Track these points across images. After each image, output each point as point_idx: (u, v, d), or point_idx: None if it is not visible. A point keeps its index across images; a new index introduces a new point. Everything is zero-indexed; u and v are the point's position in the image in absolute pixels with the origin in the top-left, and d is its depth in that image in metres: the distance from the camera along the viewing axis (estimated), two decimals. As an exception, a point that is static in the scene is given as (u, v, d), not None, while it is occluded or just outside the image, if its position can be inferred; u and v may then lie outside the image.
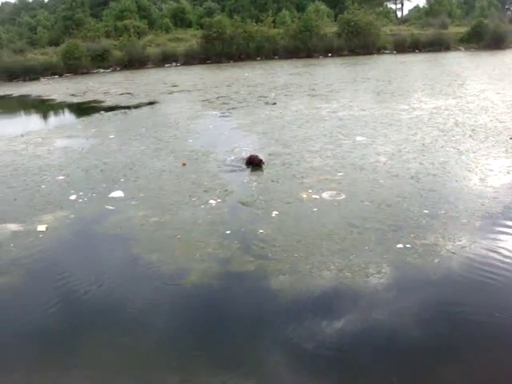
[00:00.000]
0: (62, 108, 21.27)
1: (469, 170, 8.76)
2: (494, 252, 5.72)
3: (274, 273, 5.47)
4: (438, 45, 40.29)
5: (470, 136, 11.25)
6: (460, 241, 5.98)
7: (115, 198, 8.35)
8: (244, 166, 9.72)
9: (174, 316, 5.00)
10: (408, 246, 5.87)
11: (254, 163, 9.66)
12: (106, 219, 7.44)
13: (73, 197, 8.48)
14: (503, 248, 5.82)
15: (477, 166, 8.94)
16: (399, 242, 5.96)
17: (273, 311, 4.87)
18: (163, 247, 6.32)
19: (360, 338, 4.40)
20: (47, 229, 7.12)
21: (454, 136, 11.33)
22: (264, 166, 9.57)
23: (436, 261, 5.51)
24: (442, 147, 10.42)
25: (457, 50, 40.41)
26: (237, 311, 5.00)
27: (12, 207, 8.18)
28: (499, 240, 6.04)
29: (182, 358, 4.35)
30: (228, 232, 6.63)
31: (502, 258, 5.57)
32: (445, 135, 11.48)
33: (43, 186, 9.22)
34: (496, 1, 61.52)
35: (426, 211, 6.92)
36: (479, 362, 4.12)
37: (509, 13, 63.19)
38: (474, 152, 9.89)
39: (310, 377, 4.02)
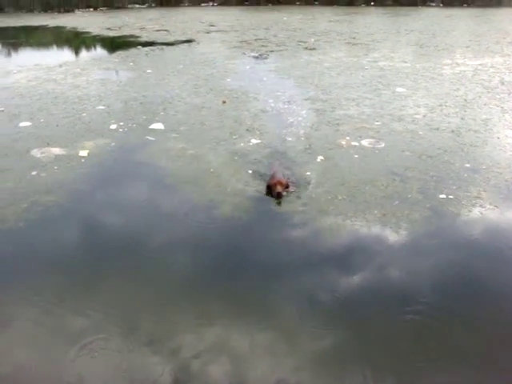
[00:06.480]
0: (99, 41, 21.12)
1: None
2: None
3: (318, 213, 5.46)
4: (488, -1, 38.36)
5: (516, 95, 10.90)
6: (503, 195, 5.89)
7: (155, 129, 8.42)
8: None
9: (202, 249, 4.88)
10: (451, 196, 5.81)
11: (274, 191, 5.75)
12: (145, 149, 7.54)
13: (113, 126, 8.57)
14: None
15: (521, 126, 8.69)
16: (442, 193, 5.90)
17: (313, 251, 4.82)
18: (196, 179, 6.39)
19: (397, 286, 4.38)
20: (89, 154, 7.26)
21: (498, 94, 10.98)
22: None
23: (480, 213, 5.47)
24: (485, 104, 10.12)
25: (510, 6, 38.32)
26: (266, 251, 4.84)
27: (54, 132, 8.31)
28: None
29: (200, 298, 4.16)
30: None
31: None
32: (489, 92, 11.14)
33: (84, 115, 9.32)
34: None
35: (467, 165, 6.81)
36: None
37: None
38: (518, 111, 9.60)
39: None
